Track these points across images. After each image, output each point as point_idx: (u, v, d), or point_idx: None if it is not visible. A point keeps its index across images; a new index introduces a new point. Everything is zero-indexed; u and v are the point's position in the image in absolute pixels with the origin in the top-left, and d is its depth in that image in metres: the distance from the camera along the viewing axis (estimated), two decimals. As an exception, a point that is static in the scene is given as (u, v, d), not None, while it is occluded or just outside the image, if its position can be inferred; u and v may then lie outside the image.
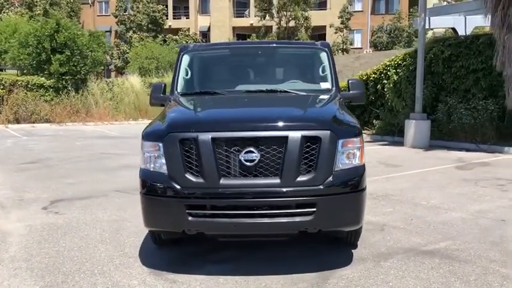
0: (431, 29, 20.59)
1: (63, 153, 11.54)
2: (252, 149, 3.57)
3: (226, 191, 3.58)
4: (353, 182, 3.74)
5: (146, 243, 4.58)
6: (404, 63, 13.76)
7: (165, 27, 42.63)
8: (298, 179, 3.57)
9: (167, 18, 44.23)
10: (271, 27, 39.48)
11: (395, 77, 13.88)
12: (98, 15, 47.99)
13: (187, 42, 40.92)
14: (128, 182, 7.72)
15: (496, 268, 3.89)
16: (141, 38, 36.14)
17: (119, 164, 9.62)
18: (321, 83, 5.09)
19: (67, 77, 22.92)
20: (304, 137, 3.58)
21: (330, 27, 40.47)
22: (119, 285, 3.62)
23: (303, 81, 5.31)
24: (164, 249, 4.43)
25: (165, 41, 38.17)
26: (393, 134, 13.49)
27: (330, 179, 3.62)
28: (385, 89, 14.23)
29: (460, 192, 6.70)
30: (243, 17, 46.09)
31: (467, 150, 11.14)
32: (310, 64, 5.39)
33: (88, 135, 16.54)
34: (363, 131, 14.45)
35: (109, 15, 45.40)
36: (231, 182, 3.59)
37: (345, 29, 39.85)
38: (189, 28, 44.42)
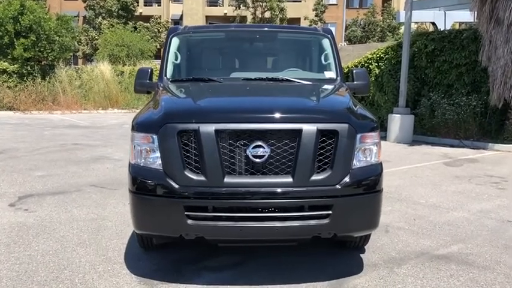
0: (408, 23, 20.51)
1: (31, 144, 10.77)
2: (261, 143, 3.14)
3: (231, 191, 3.13)
4: (371, 182, 3.38)
5: (131, 246, 4.10)
6: (387, 56, 13.53)
7: (136, 14, 41.33)
8: (313, 178, 3.17)
9: (138, 5, 42.91)
10: (245, 17, 38.88)
11: (377, 71, 13.63)
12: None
13: (158, 30, 39.88)
14: (103, 175, 7.15)
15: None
16: (111, 25, 34.84)
17: (92, 156, 8.98)
18: (325, 72, 4.69)
19: (32, 63, 21.75)
20: (320, 131, 3.18)
21: (305, 19, 40.19)
22: (106, 298, 3.14)
23: (304, 69, 4.91)
24: (152, 252, 3.95)
25: (135, 28, 36.99)
26: (374, 128, 13.26)
27: (347, 178, 3.23)
28: (366, 83, 13.97)
29: (456, 190, 6.46)
30: (216, 5, 45.28)
31: (451, 146, 11.02)
32: (312, 51, 4.98)
33: (56, 125, 15.66)
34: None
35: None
36: (237, 181, 3.15)
37: (319, 22, 39.65)
38: (160, 16, 43.28)
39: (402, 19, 15.03)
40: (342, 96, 4.00)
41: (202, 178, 3.13)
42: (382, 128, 12.38)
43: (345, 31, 41.32)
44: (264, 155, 3.14)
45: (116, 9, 37.37)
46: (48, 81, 21.99)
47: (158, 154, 3.23)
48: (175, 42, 4.79)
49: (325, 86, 4.30)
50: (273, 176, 3.17)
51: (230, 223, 3.16)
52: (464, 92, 11.75)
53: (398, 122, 11.69)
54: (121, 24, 35.52)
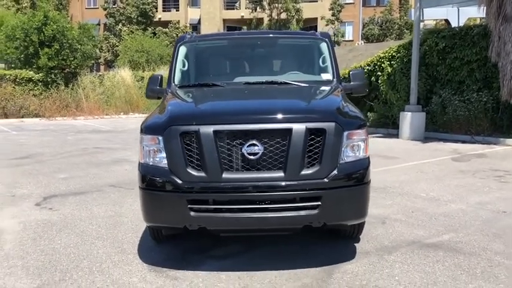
0: (423, 21, 20.54)
1: (55, 148, 11.35)
2: (255, 142, 3.47)
3: (229, 185, 3.48)
4: (358, 175, 3.67)
5: (144, 239, 4.48)
6: (399, 55, 13.70)
7: (154, 19, 42.19)
8: (303, 172, 3.48)
9: (157, 11, 43.75)
10: (262, 19, 39.25)
11: (389, 69, 13.81)
12: (86, 8, 47.34)
13: (177, 35, 40.53)
14: (122, 176, 7.59)
15: (501, 260, 3.85)
16: (131, 31, 35.70)
17: (112, 159, 9.47)
18: (322, 74, 4.99)
19: (56, 71, 22.59)
20: (308, 129, 3.49)
21: (321, 19, 40.36)
22: (119, 283, 3.52)
23: (303, 72, 5.20)
24: (163, 244, 4.32)
25: (154, 33, 37.77)
26: (387, 126, 13.47)
27: (335, 172, 3.54)
28: (379, 81, 14.17)
29: (458, 184, 6.67)
30: (233, 9, 45.75)
31: (463, 142, 11.14)
32: (310, 55, 5.28)
33: (79, 130, 16.31)
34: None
35: (97, 7, 44.81)
36: (234, 176, 3.49)
37: (336, 21, 39.73)
38: (179, 21, 43.98)
39: (414, 17, 15.12)
40: (334, 96, 4.29)
41: (202, 174, 3.48)
42: (394, 125, 12.60)
43: (362, 29, 41.33)
44: (258, 153, 3.47)
45: (135, 16, 38.24)
46: (71, 88, 22.82)
47: (164, 154, 3.59)
48: (182, 50, 5.17)
49: (321, 88, 4.61)
50: (267, 171, 3.50)
51: (228, 214, 3.50)
52: (476, 88, 11.85)
53: (409, 119, 11.86)
54: (140, 30, 36.32)
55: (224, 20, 45.36)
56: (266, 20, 38.17)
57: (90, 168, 8.52)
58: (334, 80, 4.88)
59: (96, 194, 6.42)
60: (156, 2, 43.79)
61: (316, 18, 41.66)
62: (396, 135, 12.39)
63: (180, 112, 3.86)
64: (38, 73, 22.37)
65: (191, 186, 3.50)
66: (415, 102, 12.05)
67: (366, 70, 14.82)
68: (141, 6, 38.75)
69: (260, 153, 3.47)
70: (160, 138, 3.61)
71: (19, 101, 21.08)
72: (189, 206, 3.49)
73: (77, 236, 4.66)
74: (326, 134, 3.52)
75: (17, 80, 21.77)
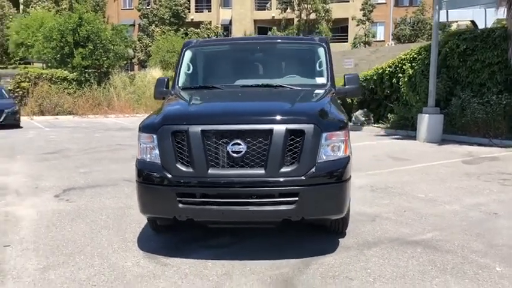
0: (449, 22, 20.37)
1: (81, 145, 11.99)
2: (239, 141, 3.78)
3: (214, 181, 3.80)
4: (336, 173, 3.92)
5: (145, 229, 4.85)
6: (420, 57, 13.67)
7: (187, 20, 43.03)
8: (282, 170, 3.77)
9: (189, 12, 44.60)
10: (292, 20, 39.44)
11: (410, 71, 13.82)
12: (122, 9, 48.71)
13: (208, 35, 41.26)
14: (138, 172, 8.03)
15: (475, 258, 4.01)
16: (163, 32, 36.59)
17: (132, 155, 9.85)
18: (317, 78, 5.26)
19: (90, 70, 23.53)
20: (288, 130, 3.78)
21: (352, 19, 40.23)
22: (114, 266, 3.90)
23: (301, 76, 5.47)
24: (161, 234, 4.69)
25: (186, 34, 38.55)
26: (407, 128, 13.48)
27: (313, 170, 3.80)
28: (400, 83, 14.20)
29: (459, 186, 6.77)
30: (264, 9, 46.10)
31: (480, 144, 11.09)
32: (308, 59, 5.54)
33: (108, 127, 17.02)
34: (378, 125, 14.54)
35: (132, 9, 46.07)
36: (219, 172, 3.81)
37: (367, 22, 39.49)
38: (210, 21, 44.70)
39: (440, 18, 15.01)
40: (320, 99, 4.55)
41: (190, 170, 3.82)
42: (413, 127, 12.63)
43: (394, 30, 40.89)
44: (241, 151, 3.78)
45: (168, 17, 39.14)
46: (103, 87, 23.68)
47: (157, 151, 3.95)
48: (188, 54, 5.54)
49: (312, 91, 4.88)
50: (249, 168, 3.80)
51: (213, 207, 3.83)
52: (496, 90, 11.75)
53: (426, 121, 11.87)
54: (172, 31, 37.15)
55: (255, 21, 45.78)
56: (296, 21, 38.31)
57: (111, 163, 9.03)
58: (328, 83, 5.13)
59: (110, 188, 6.87)
60: (189, 3, 44.65)
61: (347, 18, 41.55)
62: (414, 137, 12.42)
63: (172, 113, 4.22)
64: (73, 72, 23.38)
65: (180, 181, 3.85)
66: (433, 104, 12.05)
67: (387, 72, 14.91)
68: (173, 8, 39.65)
69: (243, 152, 3.78)
70: (154, 136, 3.97)
71: (54, 99, 22.09)
72: (178, 198, 3.84)
73: (86, 224, 5.09)
74: (305, 135, 3.79)
75: (53, 78, 22.82)
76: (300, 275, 3.70)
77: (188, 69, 5.48)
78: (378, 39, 41.98)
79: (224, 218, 3.91)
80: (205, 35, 40.68)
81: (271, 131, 3.77)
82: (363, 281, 3.57)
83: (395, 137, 13.20)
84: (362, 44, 38.92)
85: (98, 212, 5.59)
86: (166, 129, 3.91)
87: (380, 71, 15.15)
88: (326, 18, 36.83)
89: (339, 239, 4.50)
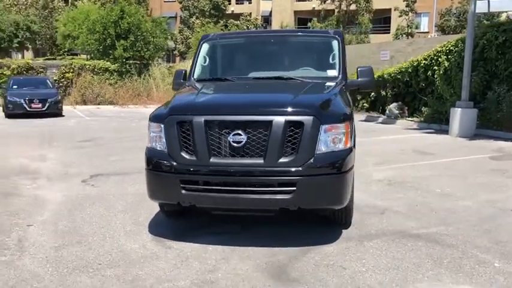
0: (490, 13, 19.54)
1: (116, 133, 12.48)
2: (239, 131, 3.92)
3: (216, 169, 3.96)
4: (335, 165, 3.99)
5: (159, 214, 5.08)
6: (456, 49, 13.31)
7: (227, 12, 43.35)
8: (280, 160, 3.88)
9: (230, 4, 44.90)
10: (332, 10, 38.96)
11: (446, 64, 13.48)
12: (164, 1, 49.63)
13: (247, 27, 41.45)
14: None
15: (475, 253, 3.99)
16: (203, 24, 37.08)
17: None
18: (328, 71, 5.30)
19: (130, 62, 24.24)
20: (287, 122, 3.88)
21: (395, 10, 39.25)
22: (122, 248, 4.15)
23: (315, 69, 5.54)
24: (172, 220, 4.91)
25: (226, 26, 38.88)
26: (440, 122, 13.17)
27: (311, 161, 3.89)
28: (435, 76, 13.87)
29: (480, 182, 6.64)
30: (304, 0, 45.69)
31: (515, 140, 10.73)
32: (321, 52, 5.60)
33: (145, 117, 17.34)
34: (412, 119, 14.26)
35: (175, 1, 46.83)
36: (220, 161, 3.97)
37: (410, 12, 38.44)
38: (250, 13, 44.85)
39: (478, 9, 14.53)
40: (326, 91, 4.61)
41: (193, 158, 4.00)
42: (447, 121, 12.35)
43: (439, 21, 39.61)
44: (241, 141, 3.92)
45: (208, 9, 39.57)
46: (143, 78, 24.34)
47: (164, 139, 4.15)
48: (205, 47, 5.72)
49: (321, 83, 4.94)
50: (249, 158, 3.94)
51: (214, 194, 4.00)
52: (535, 84, 11.31)
53: (459, 115, 11.57)
54: (212, 23, 37.57)
55: (295, 12, 45.49)
56: (336, 12, 37.83)
57: (141, 152, 9.32)
58: (340, 76, 5.17)
59: (135, 175, 7.17)
60: (230, -5, 44.96)
61: (390, 9, 40.58)
62: (447, 132, 12.14)
63: (178, 104, 4.41)
64: (114, 63, 24.16)
65: (184, 168, 4.03)
66: (466, 98, 11.72)
67: (422, 64, 14.59)
68: (214, 0, 39.99)
69: (244, 142, 3.92)
70: (162, 125, 4.18)
71: (96, 89, 22.94)
72: (181, 185, 4.03)
73: (105, 209, 5.38)
74: (303, 127, 3.89)
75: (95, 69, 23.68)
76: (295, 262, 3.82)
77: (204, 62, 5.66)
78: (421, 31, 40.84)
79: (224, 205, 4.08)
80: (245, 27, 40.88)
81: (270, 122, 3.88)
82: (355, 271, 3.65)
83: (428, 131, 12.94)
84: (404, 35, 37.97)
85: (118, 197, 5.89)
86: (173, 119, 4.10)
87: (415, 64, 14.85)
88: (367, 9, 36.09)
89: (342, 230, 4.56)
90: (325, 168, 3.96)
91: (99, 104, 22.62)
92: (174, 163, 4.06)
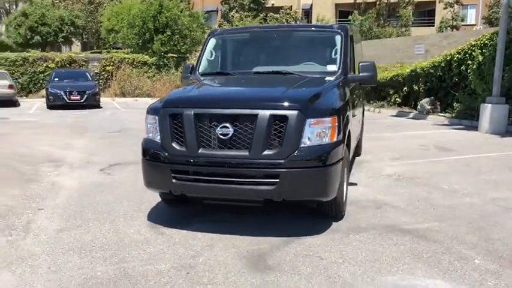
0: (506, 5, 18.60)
1: (145, 125, 12.88)
2: (227, 124, 4.07)
3: (203, 160, 4.14)
4: (319, 158, 4.07)
5: (160, 203, 5.31)
6: (491, 43, 12.81)
7: (267, 5, 43.31)
8: (265, 152, 4.00)
9: (271, -4, 44.77)
10: (374, 3, 38.21)
11: (480, 58, 13.03)
12: (206, -5, 50.10)
13: (287, 20, 41.31)
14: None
15: (460, 249, 3.97)
16: (241, 18, 37.30)
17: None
18: (328, 65, 5.35)
19: (168, 55, 24.81)
20: (272, 116, 3.99)
21: (439, 2, 38.00)
22: (117, 232, 4.40)
23: (318, 63, 5.59)
24: (172, 209, 5.13)
25: (265, 19, 38.90)
26: (472, 118, 12.79)
27: (295, 154, 3.99)
28: (469, 70, 13.45)
29: (494, 179, 6.48)
30: (346, -7, 44.96)
31: (547, 138, 10.30)
32: (324, 47, 5.65)
33: (178, 110, 17.96)
34: (443, 114, 13.92)
35: (216, -5, 47.24)
36: (208, 152, 4.14)
37: (455, 4, 37.11)
38: (291, 6, 44.58)
39: None
40: (318, 86, 4.67)
41: (183, 149, 4.19)
42: (478, 118, 11.98)
43: (487, 12, 38.04)
44: (228, 134, 4.07)
45: (247, 3, 39.69)
46: (180, 71, 24.82)
47: (158, 131, 4.36)
48: (212, 42, 5.90)
49: (318, 78, 5.01)
50: (235, 150, 4.08)
51: (202, 184, 4.17)
52: None
53: (489, 111, 11.21)
54: (251, 16, 37.72)
55: (336, 5, 44.87)
56: (377, 4, 37.08)
57: (162, 143, 9.69)
58: (339, 71, 5.20)
59: (151, 165, 7.46)
60: (270, -12, 44.77)
61: (434, 1, 39.33)
62: (476, 128, 11.80)
63: (172, 97, 4.61)
64: (152, 57, 24.81)
65: (174, 159, 4.23)
66: (497, 93, 11.32)
67: (456, 58, 14.17)
68: (253, -7, 40.08)
69: (230, 134, 4.07)
70: (156, 117, 4.39)
71: (134, 82, 23.67)
72: (172, 174, 4.24)
73: (113, 196, 5.68)
74: (288, 121, 3.99)
75: (134, 63, 24.42)
76: (276, 251, 3.94)
77: (210, 56, 5.83)
78: (468, 23, 39.37)
79: (211, 194, 4.25)
80: (284, 20, 40.76)
81: (256, 115, 4.00)
82: (331, 262, 3.73)
83: (457, 127, 12.61)
84: (449, 28, 36.76)
85: (128, 185, 6.18)
86: (166, 111, 4.30)
87: (448, 58, 14.44)
88: (409, 1, 35.15)
89: (333, 223, 4.63)
90: (309, 161, 4.04)
91: (137, 97, 23.33)
92: (166, 153, 4.26)
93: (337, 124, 4.20)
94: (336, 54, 5.39)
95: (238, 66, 5.74)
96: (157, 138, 4.38)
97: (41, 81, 22.99)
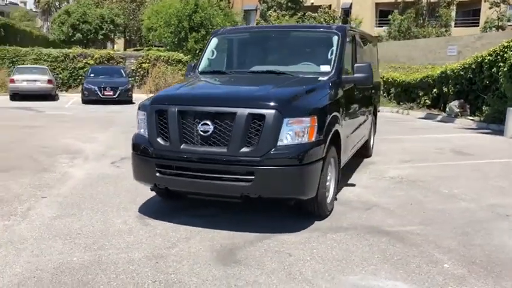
0: None
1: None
2: (208, 121, 4.21)
3: (185, 155, 4.29)
4: (296, 157, 4.14)
5: (155, 196, 5.51)
6: (524, 44, 12.38)
7: (306, 4, 43.16)
8: (242, 150, 4.12)
9: (310, -4, 44.60)
10: (414, 2, 37.32)
11: (512, 60, 12.57)
12: (245, -6, 50.42)
13: (325, 19, 41.02)
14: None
15: (433, 253, 3.94)
16: (278, 16, 37.35)
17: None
18: (321, 66, 5.38)
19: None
20: (250, 114, 4.10)
21: (485, 1, 36.66)
22: (106, 222, 4.63)
23: (315, 63, 5.64)
24: (165, 201, 5.31)
25: (302, 18, 38.77)
26: (500, 122, 12.36)
27: (271, 152, 4.08)
28: (500, 73, 13.00)
29: (500, 185, 6.30)
30: (387, -8, 44.14)
31: None
32: (322, 47, 5.67)
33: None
34: (472, 118, 13.53)
35: (255, -6, 47.47)
36: (190, 148, 4.29)
37: (502, 4, 35.69)
38: (330, 5, 44.22)
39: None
40: (305, 86, 4.72)
41: (167, 144, 4.37)
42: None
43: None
44: (208, 131, 4.21)
45: (285, 2, 39.68)
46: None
47: (146, 126, 4.56)
48: (214, 41, 6.06)
49: (308, 78, 5.07)
50: (214, 147, 4.22)
51: (184, 178, 4.33)
52: None
53: (515, 116, 10.83)
54: (288, 15, 37.69)
55: (377, 4, 44.20)
56: (417, 4, 36.20)
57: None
58: (332, 71, 5.23)
59: (161, 160, 7.71)
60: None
61: (480, 0, 37.98)
62: (502, 133, 11.41)
63: (160, 94, 4.81)
64: (187, 55, 25.30)
65: (159, 153, 4.42)
66: (525, 97, 10.92)
67: (487, 60, 13.72)
68: (292, -8, 40.04)
69: (210, 131, 4.21)
70: (145, 113, 4.59)
71: (169, 79, 24.16)
72: (156, 168, 4.42)
73: (115, 187, 5.94)
74: (265, 119, 4.08)
75: (169, 60, 24.97)
76: (249, 246, 4.04)
77: (212, 55, 5.99)
78: (515, 24, 37.77)
79: (192, 189, 4.41)
80: (322, 20, 40.50)
81: (235, 113, 4.12)
82: (299, 259, 3.79)
83: (484, 131, 12.23)
84: (494, 28, 35.41)
85: (132, 178, 6.42)
86: (152, 107, 4.50)
87: (479, 59, 13.99)
88: (450, 0, 34.11)
89: (315, 221, 4.68)
90: (285, 159, 4.12)
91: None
92: (152, 148, 4.45)
93: (316, 124, 4.25)
94: (331, 54, 5.42)
95: (237, 66, 5.87)
96: (146, 134, 4.57)
97: (80, 77, 23.91)
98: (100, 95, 18.15)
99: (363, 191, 5.88)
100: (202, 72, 5.74)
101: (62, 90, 23.83)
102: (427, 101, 16.41)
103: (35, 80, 19.11)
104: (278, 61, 5.75)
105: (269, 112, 4.08)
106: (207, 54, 5.97)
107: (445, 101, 15.63)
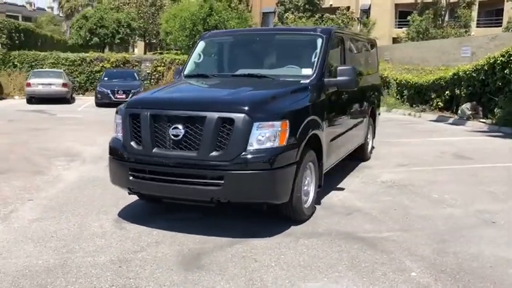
0: None
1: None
2: (179, 125, 4.22)
3: (156, 159, 4.30)
4: (265, 161, 4.10)
5: (138, 199, 5.52)
6: (537, 44, 12.03)
7: (324, 6, 42.95)
8: (211, 154, 4.10)
9: (328, -3, 44.37)
10: (433, 3, 36.75)
11: (524, 61, 12.25)
12: (264, -3, 50.50)
13: (343, 21, 40.70)
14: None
15: (404, 261, 3.84)
16: (294, 19, 37.25)
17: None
18: (303, 69, 5.33)
19: (216, 57, 25.36)
20: (220, 118, 4.09)
21: (507, 1, 35.82)
22: (82, 225, 4.68)
23: (299, 66, 5.58)
24: (146, 205, 5.33)
25: (320, 21, 38.57)
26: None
27: (241, 156, 4.06)
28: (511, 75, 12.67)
29: (492, 191, 6.12)
30: (406, -7, 43.56)
31: None
32: (306, 50, 5.61)
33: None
34: (484, 120, 13.22)
35: (273, -4, 47.47)
36: (161, 152, 4.30)
37: (525, 4, 34.79)
38: (348, 7, 43.88)
39: None
40: (280, 90, 4.69)
41: (140, 148, 4.38)
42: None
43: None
44: (179, 135, 4.21)
45: (302, 4, 39.56)
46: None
47: (121, 130, 4.59)
48: (201, 45, 6.08)
49: (286, 82, 5.06)
50: (184, 150, 4.22)
51: (155, 182, 4.34)
52: None
53: (525, 118, 10.51)
54: (305, 17, 37.56)
55: (396, 5, 43.68)
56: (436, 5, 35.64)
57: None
58: (314, 75, 5.17)
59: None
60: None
61: (503, 0, 37.13)
62: (514, 136, 11.11)
63: (135, 98, 4.85)
64: (201, 58, 25.44)
65: (132, 157, 4.44)
66: (535, 99, 10.59)
67: (499, 61, 13.37)
68: (308, -5, 39.90)
69: (181, 135, 4.21)
70: (120, 117, 4.62)
71: (183, 82, 24.38)
72: (129, 172, 4.44)
73: (103, 188, 5.97)
74: (235, 123, 4.06)
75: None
76: (217, 251, 4.02)
77: (198, 59, 6.00)
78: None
79: (164, 193, 4.41)
80: (340, 21, 40.21)
81: (204, 118, 4.12)
82: (263, 265, 3.75)
83: (494, 134, 11.90)
84: (516, 29, 34.54)
85: (121, 181, 6.47)
86: (126, 111, 4.53)
87: (492, 61, 13.63)
88: (470, 1, 33.44)
89: (291, 226, 4.62)
90: (254, 163, 4.09)
91: (184, 96, 24.00)
92: (126, 152, 4.48)
93: (288, 128, 4.20)
94: (314, 57, 5.36)
95: (222, 69, 5.88)
96: (121, 137, 4.60)
97: (96, 80, 24.28)
98: (112, 98, 18.40)
99: (349, 196, 5.79)
100: (187, 76, 5.75)
101: (79, 94, 24.27)
102: (440, 103, 16.08)
103: (50, 84, 19.50)
104: (263, 64, 5.73)
105: (238, 116, 4.06)
106: (194, 58, 5.98)
107: (458, 103, 15.28)
